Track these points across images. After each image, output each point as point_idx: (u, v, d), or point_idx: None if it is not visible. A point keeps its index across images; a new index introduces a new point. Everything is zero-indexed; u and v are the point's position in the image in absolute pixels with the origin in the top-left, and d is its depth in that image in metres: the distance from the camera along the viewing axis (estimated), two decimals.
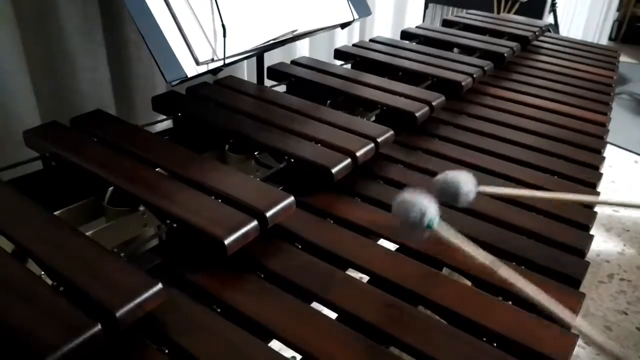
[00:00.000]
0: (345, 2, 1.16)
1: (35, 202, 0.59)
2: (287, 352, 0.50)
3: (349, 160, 0.75)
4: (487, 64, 1.21)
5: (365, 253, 0.64)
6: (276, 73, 1.10)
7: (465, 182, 0.64)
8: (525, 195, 0.77)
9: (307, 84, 1.07)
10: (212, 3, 0.86)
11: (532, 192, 0.78)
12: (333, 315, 0.56)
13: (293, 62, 1.15)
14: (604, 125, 1.09)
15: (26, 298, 0.45)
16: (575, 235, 0.72)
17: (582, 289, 0.63)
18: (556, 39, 1.75)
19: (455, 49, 1.41)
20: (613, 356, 0.46)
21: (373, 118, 0.96)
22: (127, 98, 1.14)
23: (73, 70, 1.00)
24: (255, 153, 0.80)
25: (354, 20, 1.18)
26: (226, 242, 0.55)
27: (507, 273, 0.53)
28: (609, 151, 1.01)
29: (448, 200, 0.65)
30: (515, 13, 2.64)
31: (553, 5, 2.84)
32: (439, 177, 0.65)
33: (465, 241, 0.55)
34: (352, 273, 0.62)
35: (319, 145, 0.79)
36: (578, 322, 0.49)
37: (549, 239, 0.70)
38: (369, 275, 0.62)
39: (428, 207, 0.55)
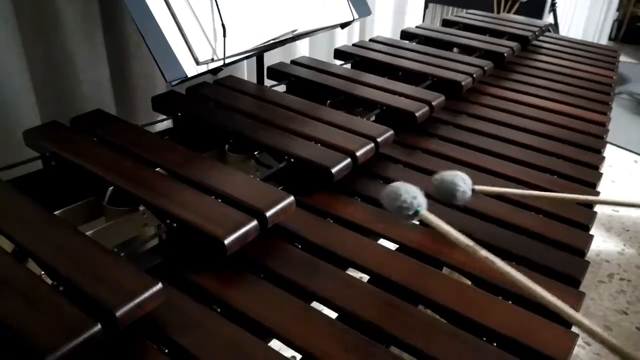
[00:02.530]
0: (345, 2, 1.16)
1: (35, 202, 0.59)
2: (287, 352, 0.50)
3: (349, 160, 0.75)
4: (487, 64, 1.21)
5: (365, 253, 0.64)
6: (276, 73, 1.10)
7: (462, 180, 0.68)
8: (521, 194, 0.77)
9: (307, 84, 1.07)
10: (212, 3, 0.86)
11: (529, 192, 0.78)
12: (333, 315, 0.56)
13: (293, 62, 1.15)
14: (604, 125, 1.09)
15: (26, 298, 0.45)
16: (575, 235, 0.71)
17: (582, 289, 0.63)
18: (556, 38, 1.75)
19: (455, 49, 1.41)
20: (614, 350, 0.45)
21: (373, 118, 0.96)
22: (127, 98, 1.14)
23: (73, 70, 1.00)
24: (255, 153, 0.80)
25: (354, 20, 1.18)
26: (226, 242, 0.55)
27: (500, 263, 0.54)
28: (609, 151, 1.01)
29: (445, 198, 0.69)
30: (515, 13, 2.64)
31: (553, 5, 2.83)
32: (436, 176, 0.69)
33: (450, 227, 0.58)
34: (352, 272, 0.62)
35: (319, 145, 0.79)
36: (577, 316, 0.48)
37: (549, 239, 0.70)
38: (369, 275, 0.62)
39: (416, 194, 0.61)
